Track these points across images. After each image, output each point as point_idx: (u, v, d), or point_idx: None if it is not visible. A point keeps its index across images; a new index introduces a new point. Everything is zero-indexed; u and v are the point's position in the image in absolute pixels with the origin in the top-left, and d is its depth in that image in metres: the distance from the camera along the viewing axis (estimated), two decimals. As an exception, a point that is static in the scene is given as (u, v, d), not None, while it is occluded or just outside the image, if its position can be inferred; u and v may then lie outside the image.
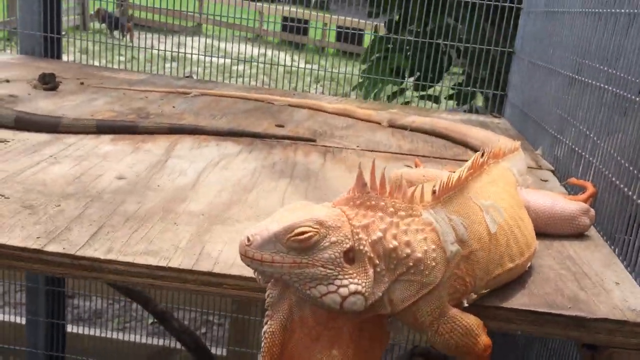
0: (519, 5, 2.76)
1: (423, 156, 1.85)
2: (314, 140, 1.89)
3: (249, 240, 0.81)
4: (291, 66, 3.20)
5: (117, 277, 1.00)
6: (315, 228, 0.80)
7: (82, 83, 2.41)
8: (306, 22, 4.30)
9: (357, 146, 1.89)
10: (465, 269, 0.91)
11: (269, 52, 3.43)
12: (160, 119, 1.97)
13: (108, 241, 1.05)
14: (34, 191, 1.24)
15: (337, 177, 1.56)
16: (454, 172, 1.08)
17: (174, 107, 2.20)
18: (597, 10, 1.66)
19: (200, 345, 2.91)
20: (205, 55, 3.12)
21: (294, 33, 4.07)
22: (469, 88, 3.14)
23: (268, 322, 0.87)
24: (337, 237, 0.81)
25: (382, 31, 3.52)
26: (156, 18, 4.90)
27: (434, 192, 0.92)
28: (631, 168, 1.27)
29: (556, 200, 1.28)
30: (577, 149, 1.65)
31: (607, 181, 1.38)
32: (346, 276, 0.81)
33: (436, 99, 3.48)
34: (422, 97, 3.44)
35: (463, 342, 0.89)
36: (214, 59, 3.26)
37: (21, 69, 2.56)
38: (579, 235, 1.28)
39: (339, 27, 4.38)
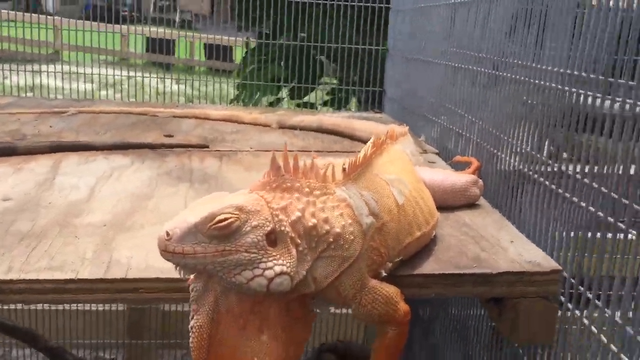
0: (388, 5, 2.90)
1: (316, 151, 1.88)
2: (206, 146, 1.87)
3: (168, 234, 0.79)
4: (164, 86, 3.16)
5: (20, 297, 0.94)
6: (235, 214, 0.80)
7: (-59, 110, 2.22)
8: (172, 41, 4.24)
9: (251, 148, 1.90)
10: (379, 240, 0.95)
11: (134, 74, 3.27)
12: (39, 139, 1.86)
13: (5, 261, 0.98)
14: None
15: (236, 178, 1.56)
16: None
17: (51, 126, 2.09)
18: (461, 0, 1.80)
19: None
20: (63, 82, 2.96)
21: (162, 53, 3.99)
22: (342, 87, 3.25)
23: (194, 317, 0.85)
24: (257, 221, 0.82)
25: (253, 44, 3.56)
26: (7, 47, 4.62)
27: (343, 170, 0.95)
28: (497, 133, 1.39)
29: (448, 175, 1.37)
30: (455, 129, 1.77)
31: (487, 152, 1.50)
32: (270, 258, 0.82)
33: (312, 106, 3.57)
34: (298, 105, 3.52)
35: (385, 311, 0.93)
36: (74, 86, 3.07)
37: None
38: (471, 205, 1.37)
39: (207, 44, 4.36)
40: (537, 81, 1.26)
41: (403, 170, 1.12)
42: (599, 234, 1.01)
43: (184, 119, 2.36)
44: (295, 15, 3.17)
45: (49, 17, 3.34)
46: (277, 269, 0.82)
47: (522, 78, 1.33)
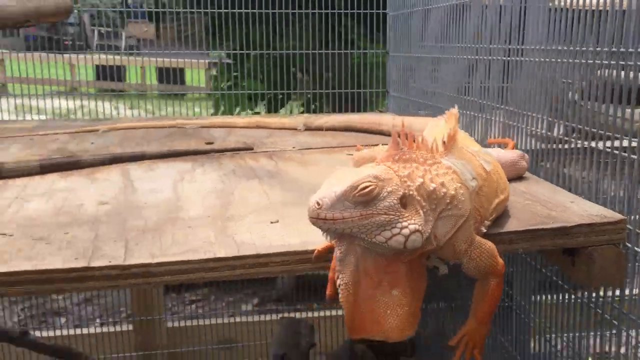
0: (385, 11, 3.07)
1: (351, 146, 2.03)
2: (251, 149, 1.99)
3: (318, 204, 0.92)
4: (118, 113, 3.20)
5: (171, 278, 1.04)
6: (374, 182, 0.93)
7: (-20, 136, 2.28)
8: (123, 67, 4.28)
9: (293, 147, 2.02)
10: (477, 202, 1.09)
11: (86, 102, 3.30)
12: (85, 154, 1.95)
13: (144, 249, 1.08)
14: (30, 226, 1.22)
15: (297, 172, 1.68)
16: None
17: (92, 143, 2.17)
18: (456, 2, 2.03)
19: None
20: (10, 115, 2.94)
21: (113, 80, 4.02)
22: (339, 91, 3.41)
23: (340, 276, 0.98)
24: (391, 187, 0.95)
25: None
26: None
27: (443, 143, 1.09)
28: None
29: (498, 152, 1.53)
30: (474, 113, 1.95)
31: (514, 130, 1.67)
32: (404, 219, 0.95)
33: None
34: None
35: (489, 263, 1.07)
36: (28, 117, 3.01)
37: None
38: (521, 178, 1.53)
39: (158, 68, 4.43)
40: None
41: (474, 144, 1.27)
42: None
43: (211, 129, 2.47)
44: (267, 31, 3.32)
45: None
46: (412, 227, 0.95)
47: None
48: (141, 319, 3.28)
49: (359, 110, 3.39)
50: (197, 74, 4.65)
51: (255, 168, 1.73)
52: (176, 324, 3.46)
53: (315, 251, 1.07)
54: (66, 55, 3.52)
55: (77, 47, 3.84)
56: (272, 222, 1.23)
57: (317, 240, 1.10)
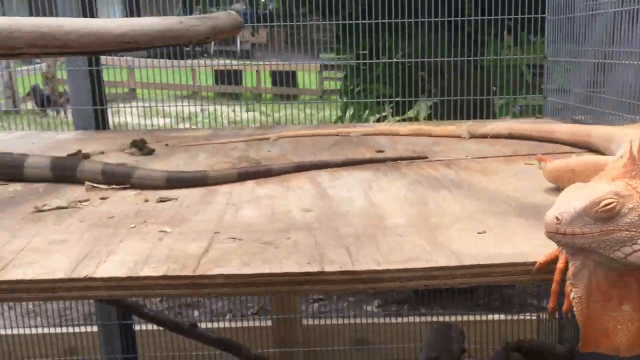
0: (543, 15, 3.00)
1: (527, 155, 2.01)
2: (425, 157, 2.03)
3: (557, 219, 0.93)
4: (234, 115, 3.33)
5: (395, 285, 1.10)
6: (615, 198, 0.93)
7: (167, 145, 2.50)
8: (239, 72, 4.44)
9: (466, 156, 2.04)
10: None
11: (206, 105, 3.51)
12: (269, 162, 2.08)
13: (366, 256, 1.15)
14: (253, 231, 1.33)
15: (482, 181, 1.70)
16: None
17: (269, 151, 2.31)
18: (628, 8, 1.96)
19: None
20: (139, 118, 3.18)
21: (230, 84, 4.21)
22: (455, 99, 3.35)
23: (574, 290, 0.99)
24: (632, 204, 0.94)
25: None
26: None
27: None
28: None
29: None
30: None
31: None
32: (644, 236, 0.94)
33: (416, 120, 3.71)
34: (403, 120, 3.66)
35: None
36: (155, 121, 3.27)
37: (97, 142, 2.63)
38: None
39: (271, 71, 4.57)
40: None
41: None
42: None
43: (374, 137, 2.54)
44: (395, 36, 3.34)
45: (121, 58, 3.61)
46: (651, 244, 0.94)
47: None
48: (278, 317, 3.45)
49: (493, 117, 3.35)
50: (308, 76, 4.80)
51: (438, 177, 1.77)
52: (311, 322, 3.60)
53: (537, 264, 1.08)
54: (188, 61, 3.78)
55: (197, 54, 4.11)
56: (479, 233, 1.26)
57: (530, 251, 1.12)
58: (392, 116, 3.78)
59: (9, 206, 1.60)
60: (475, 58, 3.23)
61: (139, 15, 3.55)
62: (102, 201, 1.63)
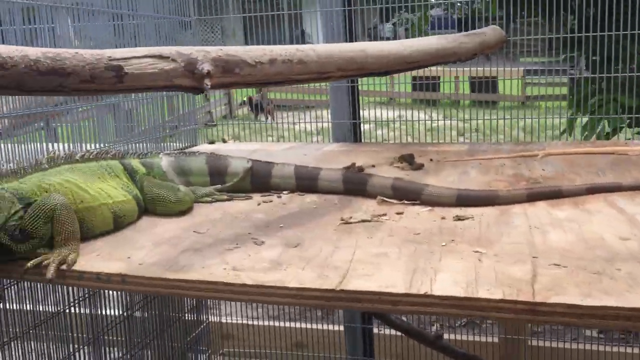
0: None
1: None
2: None
3: None
4: (431, 123, 3.26)
5: None
6: None
7: (431, 160, 2.55)
8: (436, 78, 4.28)
9: None
10: None
11: (403, 113, 3.48)
12: (547, 182, 2.01)
13: None
14: (575, 258, 1.29)
15: None
16: None
17: (543, 170, 2.23)
18: None
19: None
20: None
21: (427, 91, 4.11)
22: None
23: None
24: None
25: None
26: (290, 97, 5.35)
27: None
28: None
29: None
30: None
31: None
32: None
33: None
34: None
35: None
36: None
37: (363, 154, 2.77)
38: None
39: (472, 77, 4.33)
40: None
41: None
42: None
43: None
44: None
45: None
46: None
47: None
48: (507, 337, 3.33)
49: None
50: (509, 83, 4.62)
51: None
52: (535, 343, 3.43)
53: None
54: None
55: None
56: None
57: None
58: (632, 128, 3.49)
59: (315, 217, 1.75)
60: None
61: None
62: (399, 216, 1.70)
